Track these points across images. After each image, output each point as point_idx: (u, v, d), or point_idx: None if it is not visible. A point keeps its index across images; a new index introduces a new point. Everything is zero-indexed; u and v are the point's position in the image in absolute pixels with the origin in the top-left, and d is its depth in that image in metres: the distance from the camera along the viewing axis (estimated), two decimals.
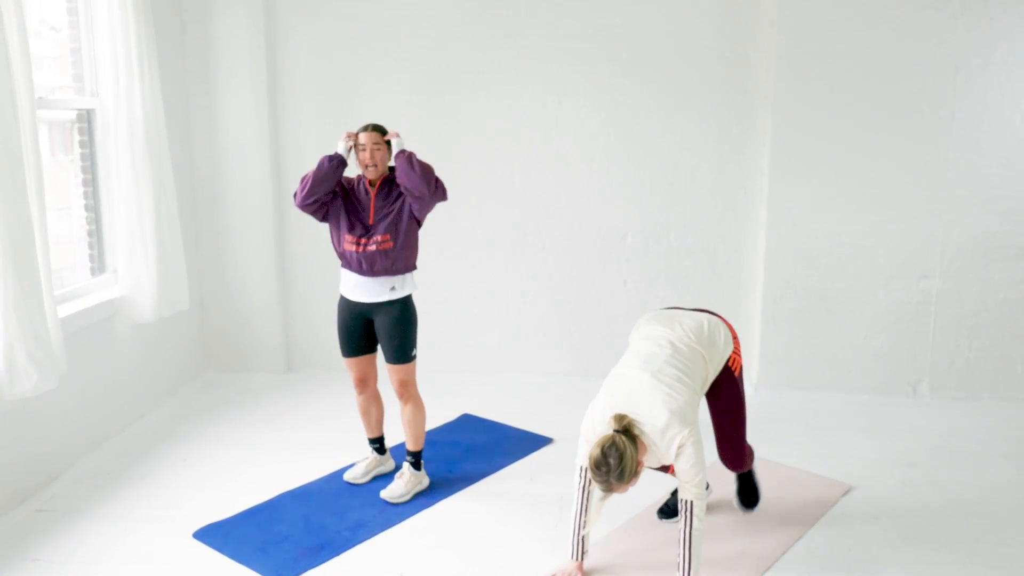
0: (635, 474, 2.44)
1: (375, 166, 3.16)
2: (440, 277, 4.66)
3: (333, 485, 3.44)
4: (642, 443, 2.47)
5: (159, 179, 4.00)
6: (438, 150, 4.61)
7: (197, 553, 2.93)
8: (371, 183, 3.21)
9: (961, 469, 3.61)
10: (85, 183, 4.00)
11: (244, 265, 4.74)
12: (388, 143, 3.19)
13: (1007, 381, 4.43)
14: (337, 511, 3.22)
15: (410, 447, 3.38)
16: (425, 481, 3.43)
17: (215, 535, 3.02)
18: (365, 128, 3.18)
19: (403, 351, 3.25)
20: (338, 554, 2.92)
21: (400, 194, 3.18)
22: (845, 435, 3.98)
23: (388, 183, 3.21)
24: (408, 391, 3.31)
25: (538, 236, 4.70)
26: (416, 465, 3.39)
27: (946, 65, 4.18)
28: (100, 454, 3.72)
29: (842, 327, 4.50)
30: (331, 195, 3.21)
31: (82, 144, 3.97)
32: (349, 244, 3.18)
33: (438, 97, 4.59)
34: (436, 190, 3.14)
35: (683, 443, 2.47)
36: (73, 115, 3.93)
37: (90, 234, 4.04)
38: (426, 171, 3.09)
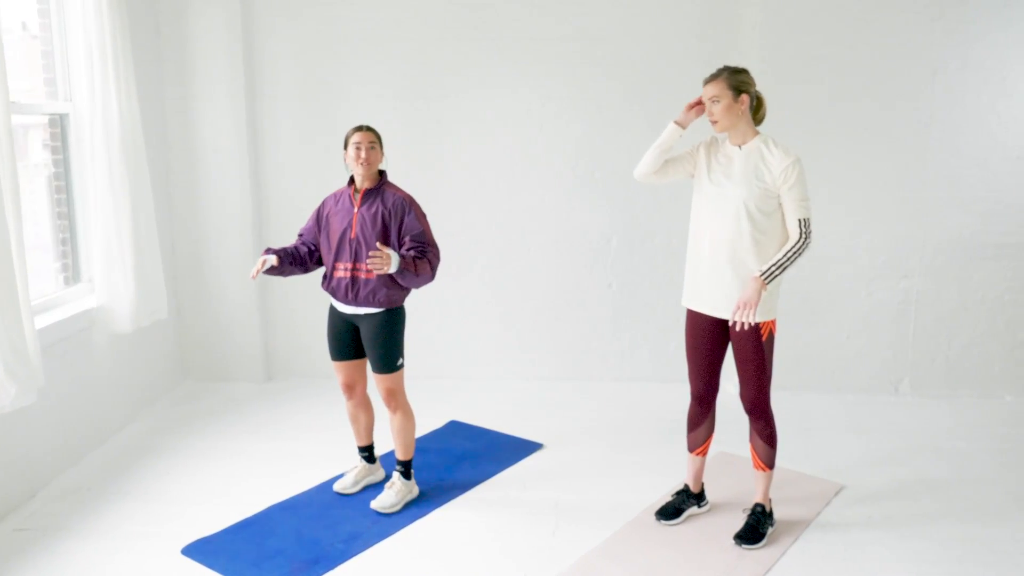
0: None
1: (368, 164, 3.09)
2: None
3: (323, 496, 3.37)
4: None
5: (136, 185, 3.90)
6: (421, 155, 4.58)
7: (187, 570, 2.84)
8: (355, 191, 3.14)
9: (948, 466, 3.66)
10: (59, 190, 3.88)
11: (223, 273, 4.63)
12: (380, 144, 3.14)
13: (986, 379, 4.50)
14: (329, 523, 3.15)
15: (399, 456, 3.33)
16: (415, 491, 3.37)
17: (205, 551, 2.94)
18: (358, 128, 3.12)
19: (388, 360, 3.18)
20: (333, 568, 2.86)
21: (383, 215, 3.09)
22: (831, 434, 4.02)
23: (373, 193, 3.13)
24: (396, 400, 3.25)
25: (523, 240, 4.67)
26: (406, 475, 3.34)
27: (924, 68, 4.24)
28: (79, 469, 3.60)
29: (825, 327, 4.54)
30: (312, 247, 3.25)
31: (55, 150, 3.85)
32: (338, 271, 3.14)
33: (420, 101, 4.54)
34: (434, 271, 3.13)
35: (791, 165, 2.77)
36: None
37: (64, 242, 3.91)
38: (424, 272, 3.07)
